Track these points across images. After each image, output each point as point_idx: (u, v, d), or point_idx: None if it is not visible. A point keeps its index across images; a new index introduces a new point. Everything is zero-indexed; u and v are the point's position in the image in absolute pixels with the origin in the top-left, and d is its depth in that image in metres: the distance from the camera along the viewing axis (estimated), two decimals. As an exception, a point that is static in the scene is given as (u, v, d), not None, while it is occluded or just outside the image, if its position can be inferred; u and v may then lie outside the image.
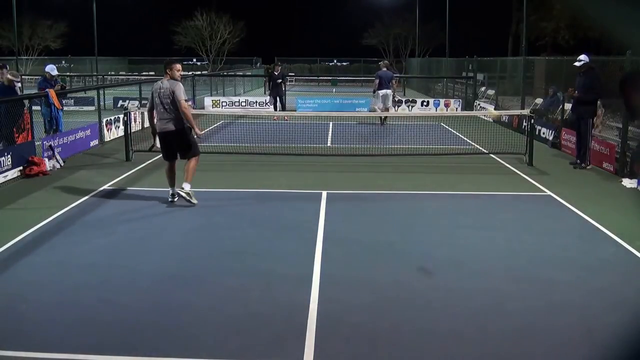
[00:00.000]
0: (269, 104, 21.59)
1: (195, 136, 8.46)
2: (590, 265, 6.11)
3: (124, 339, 4.45)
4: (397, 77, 20.35)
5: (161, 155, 8.65)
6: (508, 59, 26.47)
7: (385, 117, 17.90)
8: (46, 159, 10.90)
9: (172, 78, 8.20)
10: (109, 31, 51.68)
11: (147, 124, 16.89)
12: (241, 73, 39.65)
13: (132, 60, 54.55)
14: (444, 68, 32.65)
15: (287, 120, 17.90)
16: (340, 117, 18.88)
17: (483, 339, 4.51)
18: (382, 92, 18.48)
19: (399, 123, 17.92)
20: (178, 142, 8.26)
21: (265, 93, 25.90)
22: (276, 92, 20.66)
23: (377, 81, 18.75)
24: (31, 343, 4.34)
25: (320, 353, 4.24)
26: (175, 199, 8.43)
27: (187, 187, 8.21)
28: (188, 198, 8.20)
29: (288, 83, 20.79)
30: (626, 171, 10.45)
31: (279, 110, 19.87)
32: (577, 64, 11.50)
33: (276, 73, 20.72)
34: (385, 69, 19.17)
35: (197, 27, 53.43)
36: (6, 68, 11.98)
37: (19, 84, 12.30)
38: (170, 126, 8.16)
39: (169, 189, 8.52)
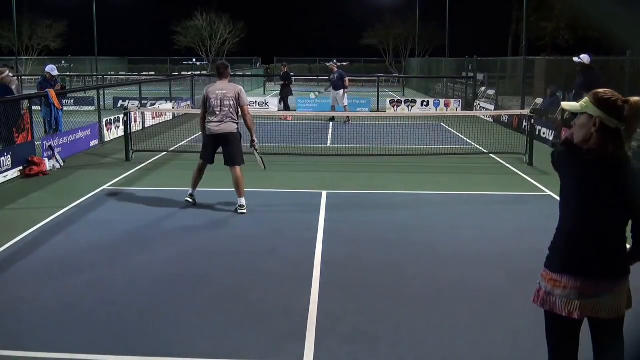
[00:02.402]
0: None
1: (252, 143, 8.28)
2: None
3: (124, 339, 4.45)
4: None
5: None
6: (508, 59, 26.46)
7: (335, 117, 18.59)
8: (46, 159, 10.90)
9: (229, 81, 8.18)
10: (109, 31, 51.65)
11: (147, 124, 17.03)
12: (241, 73, 39.64)
13: (132, 60, 54.54)
14: (444, 68, 32.63)
15: (288, 120, 18.03)
16: (340, 117, 18.90)
17: (484, 338, 4.51)
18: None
19: (399, 123, 17.91)
20: (229, 145, 8.00)
21: (264, 93, 26.05)
22: (284, 93, 20.81)
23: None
24: (31, 343, 4.34)
25: (320, 353, 4.24)
26: (192, 201, 8.27)
27: (243, 201, 8.02)
28: (245, 210, 8.02)
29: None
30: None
31: (283, 110, 20.08)
32: (575, 59, 11.51)
33: (282, 73, 20.87)
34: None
35: (197, 27, 53.41)
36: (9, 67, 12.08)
37: (14, 86, 12.32)
38: (227, 128, 7.93)
39: (189, 189, 8.32)
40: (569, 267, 2.93)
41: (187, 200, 8.30)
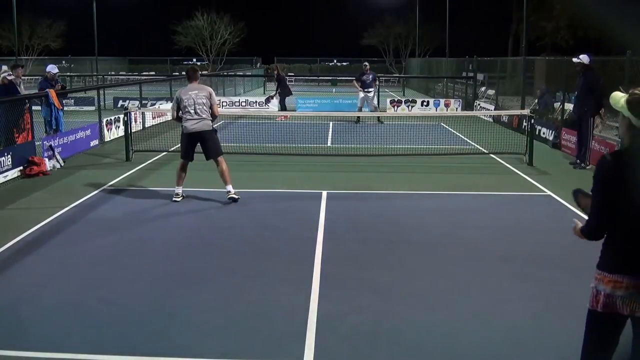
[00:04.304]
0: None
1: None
2: (590, 265, 6.09)
3: (124, 339, 4.45)
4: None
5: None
6: (508, 59, 26.49)
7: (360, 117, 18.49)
8: (46, 159, 10.91)
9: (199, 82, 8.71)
10: (109, 31, 51.61)
11: (148, 124, 17.05)
12: (241, 73, 39.64)
13: (132, 60, 54.50)
14: (444, 68, 32.63)
15: (284, 119, 18.14)
16: (341, 117, 18.91)
17: (483, 339, 4.51)
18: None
19: (399, 123, 17.93)
20: (207, 142, 8.47)
21: (264, 93, 26.20)
22: (283, 94, 20.95)
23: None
24: (31, 343, 4.34)
25: (320, 353, 4.24)
26: (179, 199, 8.51)
27: (231, 187, 8.51)
28: (237, 197, 8.50)
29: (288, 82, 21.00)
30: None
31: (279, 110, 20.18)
32: (575, 60, 11.51)
33: (276, 76, 20.97)
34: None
35: (197, 27, 53.36)
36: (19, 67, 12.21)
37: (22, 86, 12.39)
38: (203, 127, 8.40)
39: (175, 188, 8.61)
40: (630, 267, 2.93)
41: (174, 200, 8.52)
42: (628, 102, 2.87)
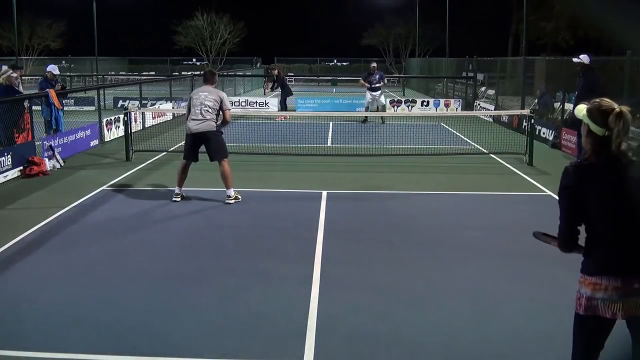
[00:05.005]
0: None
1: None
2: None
3: (124, 339, 4.45)
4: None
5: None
6: (508, 59, 26.46)
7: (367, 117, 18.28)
8: (46, 159, 10.91)
9: (215, 86, 8.70)
10: (109, 31, 51.64)
11: (148, 124, 17.07)
12: (241, 73, 39.64)
13: (132, 60, 54.55)
14: (444, 68, 32.63)
15: (283, 119, 18.14)
16: (340, 117, 18.91)
17: (483, 339, 4.51)
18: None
19: (399, 123, 17.93)
20: (210, 142, 8.43)
21: (265, 94, 26.28)
22: (284, 94, 21.17)
23: None
24: (31, 343, 4.34)
25: (320, 353, 4.24)
26: (179, 199, 8.52)
27: (231, 192, 8.48)
28: (236, 201, 8.47)
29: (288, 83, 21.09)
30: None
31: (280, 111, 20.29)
32: (575, 60, 11.51)
33: (275, 77, 21.08)
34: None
35: (197, 27, 53.37)
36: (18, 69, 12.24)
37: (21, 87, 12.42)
38: (206, 127, 8.35)
39: (175, 188, 8.61)
40: (606, 268, 2.95)
41: (174, 200, 8.52)
42: (588, 109, 3.04)
